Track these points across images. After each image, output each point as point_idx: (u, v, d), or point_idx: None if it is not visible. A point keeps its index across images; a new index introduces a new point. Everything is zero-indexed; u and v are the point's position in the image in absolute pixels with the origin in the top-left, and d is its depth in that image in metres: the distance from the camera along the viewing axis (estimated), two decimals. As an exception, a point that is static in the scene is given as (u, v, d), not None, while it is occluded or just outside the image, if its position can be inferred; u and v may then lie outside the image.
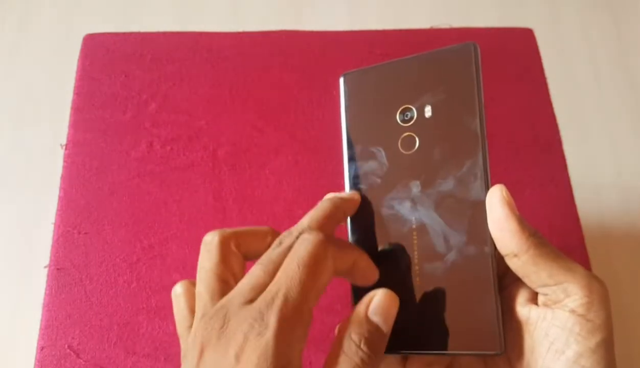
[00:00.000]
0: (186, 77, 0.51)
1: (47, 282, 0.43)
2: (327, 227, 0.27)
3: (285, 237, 0.26)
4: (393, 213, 0.29)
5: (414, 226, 0.28)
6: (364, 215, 0.30)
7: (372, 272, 0.28)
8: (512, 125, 0.50)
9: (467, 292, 0.26)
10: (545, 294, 0.25)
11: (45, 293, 0.43)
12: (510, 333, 0.26)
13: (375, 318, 0.25)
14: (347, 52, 0.53)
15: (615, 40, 0.97)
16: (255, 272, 0.25)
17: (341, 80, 0.32)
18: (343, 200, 0.29)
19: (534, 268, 0.25)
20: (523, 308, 0.26)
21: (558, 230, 0.46)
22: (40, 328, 0.42)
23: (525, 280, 0.26)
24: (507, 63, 0.52)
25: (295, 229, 0.26)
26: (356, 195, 0.30)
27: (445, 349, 0.27)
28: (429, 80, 0.29)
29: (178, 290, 0.28)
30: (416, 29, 0.55)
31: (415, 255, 0.28)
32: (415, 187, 0.28)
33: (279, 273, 0.24)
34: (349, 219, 0.30)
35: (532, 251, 0.25)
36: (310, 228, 0.26)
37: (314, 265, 0.24)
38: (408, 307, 0.27)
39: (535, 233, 0.25)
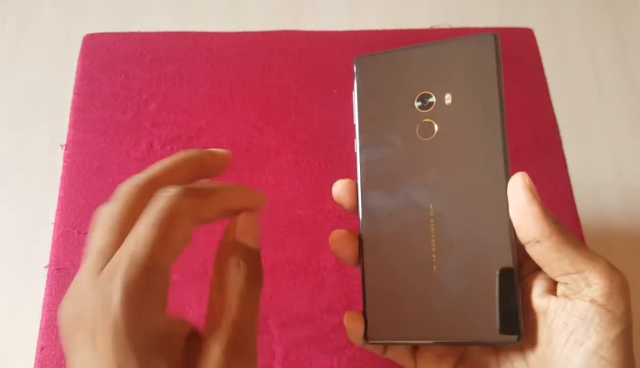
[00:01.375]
0: (186, 77, 0.51)
1: (47, 282, 0.43)
2: (175, 176, 0.24)
3: (123, 186, 0.24)
4: (410, 201, 0.28)
5: (431, 214, 0.27)
6: (379, 203, 0.29)
7: (254, 199, 0.26)
8: (512, 125, 0.49)
9: (486, 281, 0.26)
10: (566, 283, 0.25)
11: (45, 293, 0.43)
12: (525, 324, 0.26)
13: (244, 239, 0.25)
14: (347, 52, 0.53)
15: (615, 40, 0.97)
16: (98, 235, 0.22)
17: (355, 63, 0.31)
18: (208, 154, 0.26)
19: (557, 255, 0.24)
20: (541, 299, 0.26)
21: (558, 230, 0.46)
22: (40, 328, 0.42)
23: (546, 268, 0.25)
24: (507, 63, 0.52)
25: (135, 178, 0.24)
26: (223, 153, 0.26)
27: (463, 339, 0.26)
28: (449, 68, 0.29)
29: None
30: (416, 29, 0.55)
31: (432, 244, 0.27)
32: (433, 174, 0.28)
33: (127, 237, 0.21)
34: (361, 206, 0.29)
35: (555, 237, 0.24)
36: (150, 178, 0.24)
37: (165, 223, 0.21)
38: (425, 296, 0.27)
39: (557, 221, 0.25)
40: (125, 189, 0.23)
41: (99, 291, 0.20)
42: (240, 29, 0.55)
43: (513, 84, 0.52)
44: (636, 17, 0.98)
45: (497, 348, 0.28)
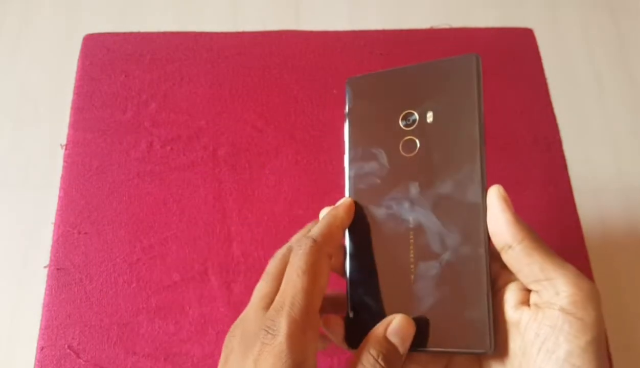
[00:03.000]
0: (186, 77, 0.51)
1: (47, 282, 0.43)
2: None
3: (280, 251, 0.30)
4: (391, 213, 0.29)
5: (411, 226, 0.29)
6: (363, 215, 0.30)
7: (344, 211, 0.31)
8: (512, 125, 0.50)
9: (459, 291, 0.27)
10: (537, 292, 0.26)
11: (45, 293, 0.43)
12: (502, 335, 0.27)
13: (393, 339, 0.27)
14: (347, 52, 0.53)
15: (615, 40, 0.97)
16: (260, 286, 0.29)
17: (346, 84, 0.32)
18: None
19: (527, 260, 0.25)
20: (515, 311, 0.26)
21: (558, 230, 0.46)
22: (40, 328, 0.42)
23: (519, 275, 0.26)
24: (507, 63, 0.52)
25: (285, 247, 0.30)
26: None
27: (436, 347, 0.27)
28: (433, 87, 0.30)
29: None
30: (416, 29, 0.55)
31: (411, 255, 0.28)
32: (414, 189, 0.29)
33: (283, 284, 0.27)
34: None
35: (527, 243, 0.25)
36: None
37: (311, 270, 0.26)
38: (402, 304, 0.28)
39: (529, 228, 0.26)
40: (280, 251, 0.30)
41: (267, 325, 0.25)
42: (240, 29, 0.55)
43: (513, 84, 0.52)
44: (636, 17, 0.98)
45: (480, 359, 0.28)
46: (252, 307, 0.27)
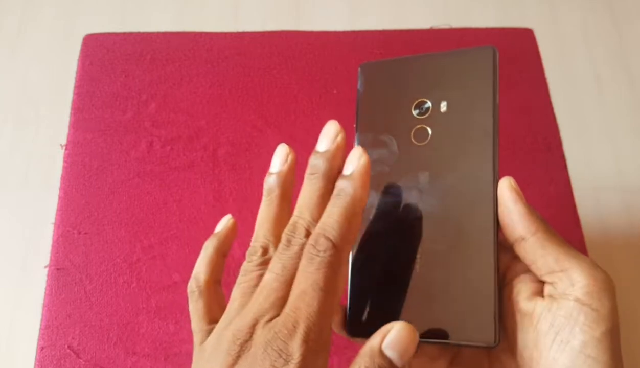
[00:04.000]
0: (186, 77, 0.51)
1: (47, 282, 0.43)
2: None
3: (293, 236, 0.25)
4: (400, 201, 0.29)
5: (419, 215, 0.28)
6: (370, 202, 0.30)
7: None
8: (512, 125, 0.50)
9: (466, 283, 0.27)
10: (551, 283, 0.25)
11: (45, 293, 0.43)
12: (514, 327, 0.26)
13: (390, 353, 0.23)
14: (347, 52, 0.53)
15: (615, 40, 0.97)
16: (271, 284, 0.24)
17: (359, 70, 0.32)
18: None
19: (542, 252, 0.25)
20: (528, 302, 0.26)
21: (558, 230, 0.46)
22: (40, 328, 0.42)
23: (532, 267, 0.26)
24: (507, 63, 0.52)
25: (300, 224, 0.25)
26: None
27: (439, 338, 0.27)
28: (448, 77, 0.30)
29: (195, 288, 0.28)
30: (416, 29, 0.55)
31: (418, 244, 0.28)
32: (424, 178, 0.29)
33: (295, 297, 0.23)
34: None
35: (540, 234, 0.25)
36: (314, 220, 0.25)
37: (331, 286, 0.23)
38: (405, 294, 0.28)
39: (542, 219, 0.26)
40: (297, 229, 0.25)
41: (279, 347, 0.22)
42: (240, 29, 0.55)
43: (513, 84, 0.52)
44: (636, 17, 0.98)
45: (489, 351, 0.28)
46: (263, 314, 0.23)
